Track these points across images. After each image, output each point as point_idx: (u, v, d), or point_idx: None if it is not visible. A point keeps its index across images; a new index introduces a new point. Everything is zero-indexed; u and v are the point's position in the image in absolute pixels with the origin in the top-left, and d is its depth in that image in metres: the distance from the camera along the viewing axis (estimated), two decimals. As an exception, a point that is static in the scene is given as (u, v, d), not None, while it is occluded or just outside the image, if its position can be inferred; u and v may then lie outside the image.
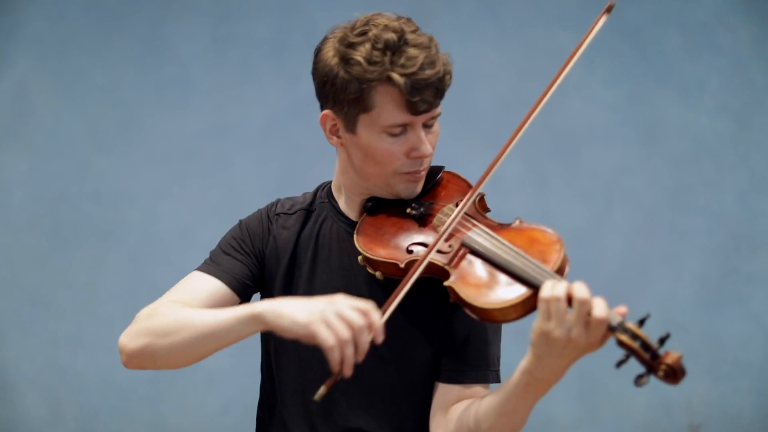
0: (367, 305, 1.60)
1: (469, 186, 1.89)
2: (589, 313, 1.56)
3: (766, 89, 4.22)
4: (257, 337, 1.97)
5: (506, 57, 4.20)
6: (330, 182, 1.96)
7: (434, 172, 1.91)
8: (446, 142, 4.48)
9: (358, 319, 1.58)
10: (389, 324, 1.76)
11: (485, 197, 1.87)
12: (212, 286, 1.86)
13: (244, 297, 1.91)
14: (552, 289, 1.58)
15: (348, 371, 1.58)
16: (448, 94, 1.79)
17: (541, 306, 1.58)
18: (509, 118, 4.21)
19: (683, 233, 4.19)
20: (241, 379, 4.01)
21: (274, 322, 1.62)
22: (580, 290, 1.57)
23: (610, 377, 4.13)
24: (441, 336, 1.84)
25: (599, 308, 1.56)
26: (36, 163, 4.09)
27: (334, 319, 1.58)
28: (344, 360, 1.57)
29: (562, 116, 4.20)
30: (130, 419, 4.03)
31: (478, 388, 1.81)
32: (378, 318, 1.60)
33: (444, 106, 1.81)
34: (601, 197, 4.19)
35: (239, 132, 4.14)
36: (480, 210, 1.84)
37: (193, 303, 1.83)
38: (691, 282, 4.17)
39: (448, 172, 1.93)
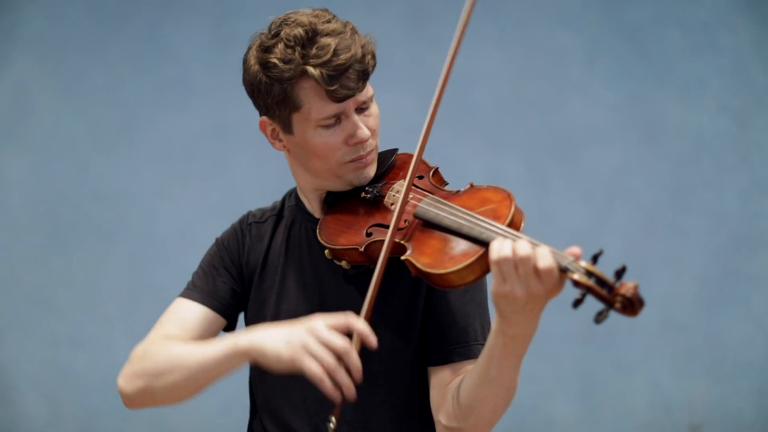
0: (347, 317, 1.59)
1: (425, 164, 1.88)
2: (536, 267, 1.54)
3: (767, 89, 4.22)
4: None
5: (506, 57, 4.20)
6: (296, 188, 1.99)
7: (388, 155, 1.92)
8: (446, 142, 4.48)
9: (340, 343, 1.57)
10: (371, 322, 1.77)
11: (440, 170, 1.87)
12: (198, 313, 1.90)
13: (229, 317, 1.94)
14: (499, 250, 1.56)
15: (350, 394, 1.57)
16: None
17: (493, 269, 1.56)
18: (509, 118, 4.21)
19: (683, 233, 4.18)
20: (241, 379, 4.00)
21: (258, 359, 1.63)
22: (522, 248, 1.55)
23: (610, 377, 4.13)
24: (422, 321, 1.84)
25: (544, 258, 1.54)
26: (36, 163, 4.09)
27: (317, 348, 1.57)
28: (341, 385, 1.56)
29: (562, 116, 4.20)
30: (130, 419, 4.03)
31: (469, 365, 1.80)
32: (362, 325, 1.59)
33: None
34: (601, 197, 4.19)
35: (239, 132, 4.14)
36: (435, 183, 1.85)
37: (182, 334, 1.86)
38: (691, 282, 4.16)
39: (403, 154, 1.93)
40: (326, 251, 1.84)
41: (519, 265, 1.54)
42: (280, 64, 1.78)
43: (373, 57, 1.82)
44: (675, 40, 4.21)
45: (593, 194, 4.19)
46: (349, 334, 1.60)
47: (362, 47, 1.80)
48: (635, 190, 4.19)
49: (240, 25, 4.14)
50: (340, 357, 1.56)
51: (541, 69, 4.19)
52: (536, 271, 1.54)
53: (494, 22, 4.19)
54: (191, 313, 1.90)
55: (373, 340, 1.58)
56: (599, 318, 1.52)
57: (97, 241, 4.09)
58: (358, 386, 1.81)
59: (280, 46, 1.78)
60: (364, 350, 1.78)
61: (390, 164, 1.90)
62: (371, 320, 1.81)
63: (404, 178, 1.84)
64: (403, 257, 1.70)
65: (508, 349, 1.63)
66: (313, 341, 1.57)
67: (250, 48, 1.85)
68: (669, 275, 4.15)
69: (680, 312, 4.14)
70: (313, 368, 1.56)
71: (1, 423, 4.05)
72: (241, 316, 2.02)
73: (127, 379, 1.83)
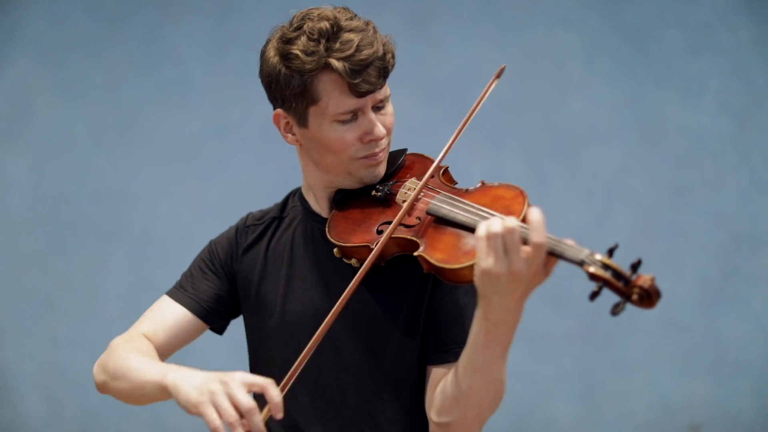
0: (266, 381, 1.60)
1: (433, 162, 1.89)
2: (524, 242, 1.53)
3: (767, 89, 4.21)
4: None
5: (506, 57, 4.20)
6: (299, 188, 1.99)
7: (397, 155, 1.93)
8: (446, 141, 4.45)
9: (247, 402, 1.57)
10: (373, 315, 1.80)
11: (449, 169, 1.88)
12: (177, 314, 1.95)
13: (211, 321, 1.97)
14: (488, 226, 1.54)
15: None
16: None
17: (479, 244, 1.54)
18: (509, 118, 4.21)
19: (683, 233, 4.18)
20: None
21: (174, 397, 1.66)
22: (509, 220, 1.53)
23: (610, 377, 4.13)
24: (425, 320, 1.85)
25: (536, 233, 1.52)
26: (36, 163, 4.09)
27: (223, 401, 1.58)
28: None
29: (562, 116, 4.20)
30: (130, 419, 4.03)
31: None
32: (277, 394, 1.59)
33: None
34: (601, 197, 4.19)
35: (239, 132, 4.14)
36: (445, 182, 1.85)
37: (160, 332, 1.93)
38: (691, 282, 4.16)
39: (412, 154, 1.95)
40: (335, 250, 1.84)
41: (506, 236, 1.52)
42: (302, 56, 1.79)
43: (393, 56, 1.85)
44: (675, 40, 4.21)
45: (593, 194, 4.19)
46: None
47: (383, 45, 1.82)
48: (635, 190, 4.19)
49: (240, 25, 4.14)
50: (242, 415, 1.57)
51: (541, 69, 4.19)
52: (523, 246, 1.53)
53: (494, 22, 4.19)
54: (171, 313, 1.95)
55: (279, 414, 1.59)
56: (616, 310, 1.51)
57: (97, 241, 4.09)
58: (367, 384, 1.81)
59: (303, 38, 1.80)
60: (375, 346, 1.80)
61: (399, 164, 1.91)
62: (379, 318, 1.84)
63: (413, 177, 1.86)
64: (415, 253, 1.70)
65: (491, 336, 1.61)
66: (221, 393, 1.58)
67: (269, 40, 1.86)
68: (669, 275, 4.14)
69: (680, 312, 4.14)
70: (211, 417, 1.57)
71: (1, 423, 4.05)
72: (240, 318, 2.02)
73: (97, 368, 1.91)
